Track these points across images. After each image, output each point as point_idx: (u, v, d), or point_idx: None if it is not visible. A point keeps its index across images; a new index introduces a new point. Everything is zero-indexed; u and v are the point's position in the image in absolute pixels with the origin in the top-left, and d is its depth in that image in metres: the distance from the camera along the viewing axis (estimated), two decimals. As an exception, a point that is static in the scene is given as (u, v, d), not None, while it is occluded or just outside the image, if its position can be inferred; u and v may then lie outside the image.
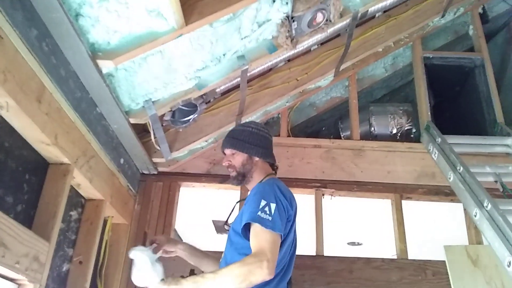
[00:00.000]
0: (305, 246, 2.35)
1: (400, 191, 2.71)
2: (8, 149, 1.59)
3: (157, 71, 2.07)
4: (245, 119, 2.78)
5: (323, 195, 2.72)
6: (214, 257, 2.13)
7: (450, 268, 2.36)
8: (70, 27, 1.59)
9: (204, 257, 2.14)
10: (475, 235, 2.56)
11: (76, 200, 2.17)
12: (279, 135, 2.93)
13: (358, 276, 2.45)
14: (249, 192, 2.01)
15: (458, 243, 2.50)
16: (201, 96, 2.38)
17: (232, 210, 2.17)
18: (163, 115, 2.33)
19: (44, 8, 1.51)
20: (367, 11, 2.64)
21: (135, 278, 1.80)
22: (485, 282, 2.31)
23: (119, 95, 2.07)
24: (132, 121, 2.21)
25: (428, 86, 3.01)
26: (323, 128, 3.37)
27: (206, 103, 2.49)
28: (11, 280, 1.59)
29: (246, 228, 1.77)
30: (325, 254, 2.55)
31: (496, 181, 2.36)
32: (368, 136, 3.03)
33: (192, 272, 2.38)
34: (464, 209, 2.56)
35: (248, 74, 2.40)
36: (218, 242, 4.01)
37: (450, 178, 2.31)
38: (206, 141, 2.76)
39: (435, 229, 3.40)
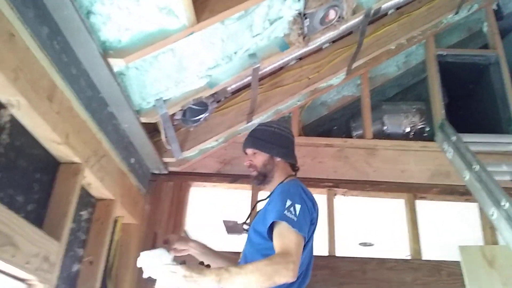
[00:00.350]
0: (317, 246, 2.32)
1: (413, 191, 2.66)
2: (19, 148, 1.57)
3: (168, 70, 2.05)
4: (256, 119, 2.75)
5: (335, 194, 2.69)
6: (227, 257, 2.11)
7: (465, 269, 2.32)
8: (81, 24, 1.57)
9: (216, 257, 2.11)
10: (490, 235, 2.51)
11: (87, 199, 2.15)
12: (290, 134, 2.89)
13: (371, 277, 2.41)
14: (270, 192, 1.99)
15: (472, 243, 2.46)
16: (212, 95, 2.36)
17: (252, 210, 2.13)
18: (174, 114, 2.31)
19: (55, 6, 1.49)
20: (380, 8, 2.60)
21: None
22: (502, 283, 2.27)
23: (130, 94, 2.05)
24: (143, 120, 2.19)
25: (441, 84, 2.95)
26: (334, 127, 3.32)
27: (217, 102, 2.47)
28: (21, 280, 1.57)
29: (270, 227, 1.74)
30: (337, 254, 2.51)
31: (512, 180, 2.33)
32: (380, 135, 2.99)
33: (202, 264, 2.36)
34: (480, 209, 2.52)
35: (259, 73, 2.37)
36: (230, 243, 4.01)
37: (465, 177, 2.27)
38: (216, 140, 2.74)
39: (448, 229, 3.34)
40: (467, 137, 2.56)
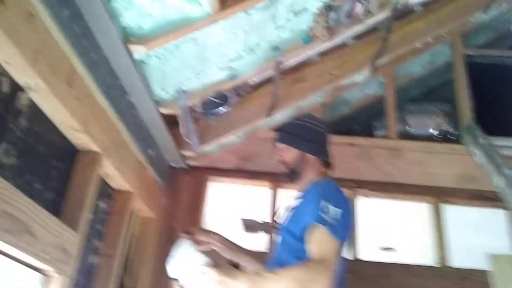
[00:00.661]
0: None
1: (439, 195, 2.57)
2: (37, 133, 1.54)
3: (190, 60, 2.01)
4: (277, 115, 2.69)
5: (357, 196, 2.60)
6: (251, 253, 2.02)
7: (495, 278, 2.20)
8: (102, 8, 1.53)
9: (240, 252, 2.01)
10: (518, 243, 2.41)
11: (105, 190, 2.12)
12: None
13: (396, 283, 2.32)
14: (302, 191, 1.90)
15: (498, 251, 2.35)
16: (233, 88, 2.31)
17: (282, 208, 2.05)
18: (194, 106, 2.27)
19: (76, -12, 1.46)
20: (407, 2, 2.52)
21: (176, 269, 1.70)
22: (535, 295, 2.15)
23: (150, 83, 2.01)
24: (163, 111, 2.15)
25: (468, 86, 2.86)
26: (355, 127, 3.25)
27: (237, 95, 2.42)
28: (38, 270, 1.54)
29: (304, 228, 1.65)
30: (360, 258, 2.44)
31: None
32: (403, 136, 2.89)
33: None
34: (508, 215, 2.42)
35: (281, 66, 2.31)
36: (247, 241, 3.96)
37: (494, 181, 2.17)
38: (236, 135, 2.68)
39: (473, 236, 3.24)
40: (496, 141, 2.46)
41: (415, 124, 2.91)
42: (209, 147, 2.62)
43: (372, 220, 3.21)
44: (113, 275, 2.08)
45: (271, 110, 2.57)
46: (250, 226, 3.73)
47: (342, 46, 2.77)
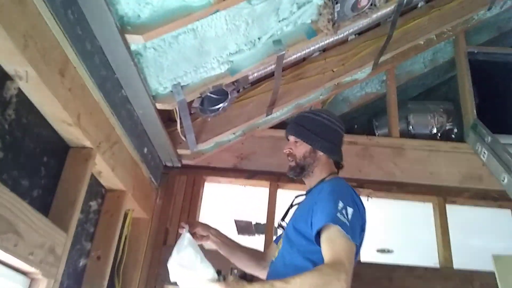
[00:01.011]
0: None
1: (444, 194, 2.50)
2: (25, 126, 1.43)
3: (188, 53, 1.90)
4: (276, 112, 2.60)
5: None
6: (248, 251, 1.94)
7: (500, 280, 2.13)
8: (99, -6, 1.43)
9: (237, 249, 1.93)
10: (525, 244, 2.35)
11: (96, 189, 2.00)
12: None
13: (398, 285, 2.24)
14: (309, 189, 1.83)
15: (504, 252, 2.28)
16: (233, 83, 2.21)
17: (291, 207, 1.94)
18: (192, 102, 2.16)
19: (70, -29, 1.35)
20: (413, -2, 2.45)
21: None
22: (541, 297, 2.09)
23: (147, 76, 1.90)
24: (159, 106, 2.04)
25: (472, 83, 2.80)
26: (355, 126, 3.16)
27: (237, 91, 2.32)
28: (24, 273, 1.42)
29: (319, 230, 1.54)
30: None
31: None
32: (405, 135, 2.82)
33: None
34: (515, 216, 2.36)
35: (283, 61, 2.22)
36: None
37: (504, 180, 2.11)
38: (234, 133, 2.58)
39: (478, 236, 3.17)
40: (503, 139, 2.39)
41: (417, 123, 2.84)
42: (206, 145, 2.51)
43: (370, 221, 3.13)
44: (104, 279, 1.97)
45: (271, 107, 2.48)
46: (244, 228, 3.63)
47: (343, 42, 2.69)
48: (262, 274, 1.92)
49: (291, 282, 1.44)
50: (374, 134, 2.99)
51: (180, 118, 2.19)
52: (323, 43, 2.44)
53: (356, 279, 2.23)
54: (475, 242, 3.18)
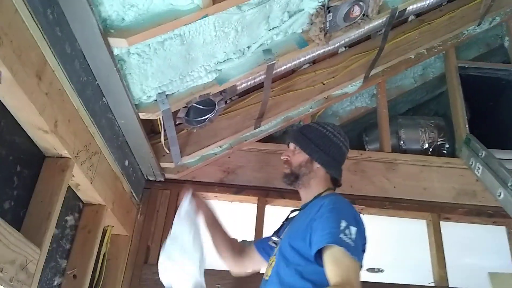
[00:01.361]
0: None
1: (438, 211, 2.42)
2: (-2, 132, 1.32)
3: (175, 60, 1.81)
4: (265, 125, 2.51)
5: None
6: (227, 243, 1.99)
7: (495, 297, 2.07)
8: (81, -7, 1.33)
9: (221, 230, 2.00)
10: (521, 262, 2.28)
11: (73, 203, 1.88)
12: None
13: (392, 304, 2.15)
14: (305, 203, 1.76)
15: (499, 270, 2.22)
16: (220, 93, 2.12)
17: (286, 221, 1.86)
18: (176, 112, 2.07)
19: (51, -33, 1.26)
20: (405, 10, 2.40)
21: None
22: (536, 315, 2.02)
23: (130, 84, 1.80)
24: (142, 116, 1.93)
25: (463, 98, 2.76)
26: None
27: (224, 102, 2.23)
28: (-9, 292, 1.30)
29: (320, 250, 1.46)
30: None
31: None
32: (396, 150, 2.75)
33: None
34: (509, 233, 2.29)
35: (273, 72, 2.15)
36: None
37: (500, 195, 2.04)
38: (220, 146, 2.49)
39: (472, 254, 3.10)
40: (498, 153, 2.34)
41: (408, 139, 2.78)
42: (191, 159, 2.41)
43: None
44: (81, 299, 1.83)
45: (259, 119, 2.39)
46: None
47: (333, 54, 2.64)
48: (232, 266, 2.01)
49: None
50: (364, 149, 2.91)
51: (164, 129, 2.09)
52: (313, 54, 2.37)
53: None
54: (470, 260, 3.11)
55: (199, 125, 2.20)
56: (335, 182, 1.86)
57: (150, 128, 2.29)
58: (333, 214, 1.50)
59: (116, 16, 1.50)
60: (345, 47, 2.65)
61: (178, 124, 2.18)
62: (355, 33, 2.34)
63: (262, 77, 2.20)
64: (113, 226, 2.17)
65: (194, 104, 2.07)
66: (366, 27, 2.29)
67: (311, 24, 2.03)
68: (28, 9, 1.22)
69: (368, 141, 2.93)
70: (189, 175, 2.50)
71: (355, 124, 3.13)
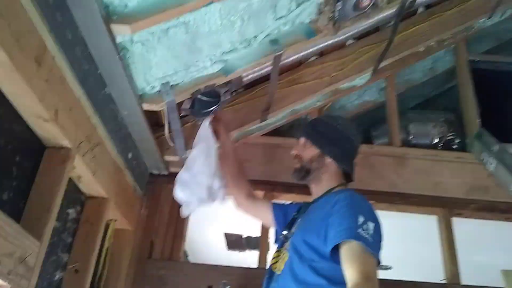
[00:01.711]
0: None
1: (449, 206, 2.36)
2: (-5, 120, 1.27)
3: (179, 49, 1.76)
4: (271, 118, 2.46)
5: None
6: (242, 184, 2.05)
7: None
8: (82, -24, 1.29)
9: (234, 164, 2.07)
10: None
11: (75, 196, 1.83)
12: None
13: (403, 302, 2.09)
14: (316, 198, 1.73)
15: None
16: (226, 84, 2.07)
17: (297, 215, 1.80)
18: (181, 104, 2.02)
19: None
20: (415, 0, 2.34)
21: None
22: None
23: (133, 74, 1.74)
24: (146, 107, 1.88)
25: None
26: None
27: (231, 94, 2.18)
28: (-11, 286, 1.25)
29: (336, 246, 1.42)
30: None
31: None
32: (405, 146, 2.69)
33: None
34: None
35: (280, 63, 2.09)
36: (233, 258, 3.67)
37: (514, 190, 1.97)
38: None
39: (483, 251, 3.03)
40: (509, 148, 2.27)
41: (418, 134, 2.72)
42: (196, 152, 2.35)
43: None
44: (82, 294, 1.78)
45: (266, 112, 2.34)
46: (234, 242, 3.45)
47: (341, 46, 2.58)
48: (235, 201, 2.07)
49: None
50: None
51: (168, 122, 2.04)
52: (321, 45, 2.31)
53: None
54: (482, 257, 3.04)
55: (204, 118, 2.15)
56: (347, 177, 1.80)
57: (155, 121, 2.24)
58: (350, 209, 1.47)
59: (119, 2, 1.45)
60: (353, 39, 2.59)
61: (183, 116, 2.13)
62: (364, 24, 2.28)
63: (269, 68, 2.14)
64: (116, 220, 2.12)
65: (199, 96, 2.02)
66: (376, 18, 2.23)
67: (320, 13, 1.97)
68: (26, -10, 1.18)
69: (376, 136, 2.88)
70: (193, 169, 2.44)
71: (362, 118, 3.07)
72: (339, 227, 1.42)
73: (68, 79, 1.47)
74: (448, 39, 2.85)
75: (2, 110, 1.30)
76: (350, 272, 1.33)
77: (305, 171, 1.77)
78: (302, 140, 1.84)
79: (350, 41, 2.60)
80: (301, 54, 2.32)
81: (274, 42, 1.98)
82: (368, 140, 2.90)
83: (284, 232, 1.75)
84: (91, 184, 1.79)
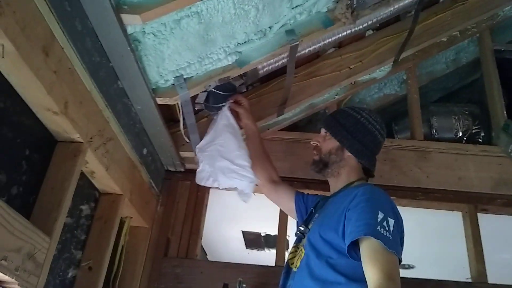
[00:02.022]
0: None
1: (474, 202, 2.27)
2: (3, 112, 1.24)
3: (192, 40, 1.71)
4: (288, 111, 2.40)
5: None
6: (267, 165, 2.04)
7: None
8: (90, -36, 1.25)
9: (268, 157, 2.07)
10: None
11: (88, 191, 1.80)
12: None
13: (427, 301, 2.01)
14: (334, 192, 1.67)
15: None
16: (241, 77, 2.02)
17: (315, 210, 1.75)
18: (195, 98, 1.97)
19: None
20: (436, -13, 2.26)
21: None
22: None
23: (146, 66, 1.70)
24: (160, 101, 1.84)
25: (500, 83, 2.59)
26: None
27: (246, 87, 2.13)
28: (-3, 282, 1.22)
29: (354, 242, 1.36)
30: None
31: None
32: (428, 140, 2.59)
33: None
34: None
35: (297, 54, 2.02)
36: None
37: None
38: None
39: (509, 248, 2.92)
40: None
41: (440, 126, 2.63)
42: (211, 147, 2.30)
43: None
44: (97, 292, 1.75)
45: (282, 105, 2.28)
46: (253, 241, 3.40)
47: (360, 37, 2.50)
48: (262, 186, 2.03)
49: None
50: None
51: (183, 117, 1.99)
52: (339, 35, 2.23)
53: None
54: (509, 254, 2.93)
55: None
56: (368, 172, 1.73)
57: (170, 117, 2.20)
58: (369, 205, 1.40)
59: (129, -9, 1.41)
60: (372, 29, 2.51)
61: (198, 111, 2.08)
62: (384, 12, 2.20)
63: (285, 60, 2.08)
64: (131, 217, 2.09)
65: (213, 89, 1.97)
66: (396, 6, 2.15)
67: (337, 1, 1.91)
68: (31, -23, 1.14)
69: (398, 130, 2.79)
70: (209, 165, 2.40)
71: (383, 112, 2.96)
72: (357, 222, 1.36)
73: (79, 71, 1.44)
74: (472, 28, 2.74)
75: (10, 101, 1.26)
76: (372, 271, 1.27)
77: (323, 164, 1.71)
78: (323, 131, 1.79)
79: (369, 32, 2.52)
80: (319, 45, 2.24)
81: (290, 32, 1.92)
82: (390, 135, 2.81)
83: (301, 228, 1.69)
84: (104, 179, 1.76)
